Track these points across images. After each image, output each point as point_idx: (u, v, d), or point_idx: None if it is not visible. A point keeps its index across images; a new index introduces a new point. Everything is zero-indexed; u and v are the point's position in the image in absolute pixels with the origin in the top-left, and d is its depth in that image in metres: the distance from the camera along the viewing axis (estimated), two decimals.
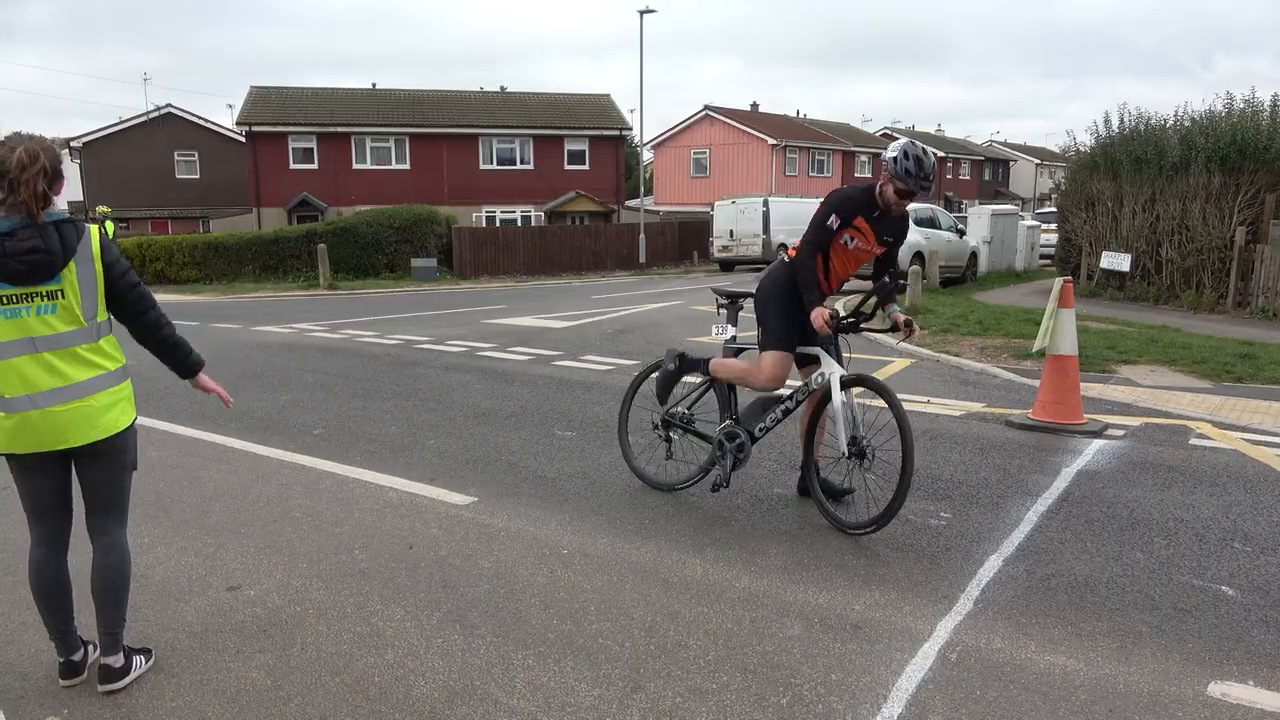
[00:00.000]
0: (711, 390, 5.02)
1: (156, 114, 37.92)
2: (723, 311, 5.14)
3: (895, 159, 4.24)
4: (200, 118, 39.03)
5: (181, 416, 7.03)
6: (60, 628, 2.98)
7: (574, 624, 3.44)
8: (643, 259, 29.95)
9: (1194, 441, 6.15)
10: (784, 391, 4.79)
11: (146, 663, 3.12)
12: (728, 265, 28.92)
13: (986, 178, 62.33)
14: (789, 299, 4.57)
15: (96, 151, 36.22)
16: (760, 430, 4.74)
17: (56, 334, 2.76)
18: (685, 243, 32.59)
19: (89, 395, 2.83)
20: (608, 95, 38.71)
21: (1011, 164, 66.07)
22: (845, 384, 4.51)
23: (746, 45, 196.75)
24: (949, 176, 58.05)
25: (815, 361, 4.67)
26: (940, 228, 19.13)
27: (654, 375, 5.14)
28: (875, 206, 4.42)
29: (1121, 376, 8.45)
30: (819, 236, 4.46)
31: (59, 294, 2.74)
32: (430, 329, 12.90)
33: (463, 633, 3.37)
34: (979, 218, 22.52)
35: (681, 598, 3.68)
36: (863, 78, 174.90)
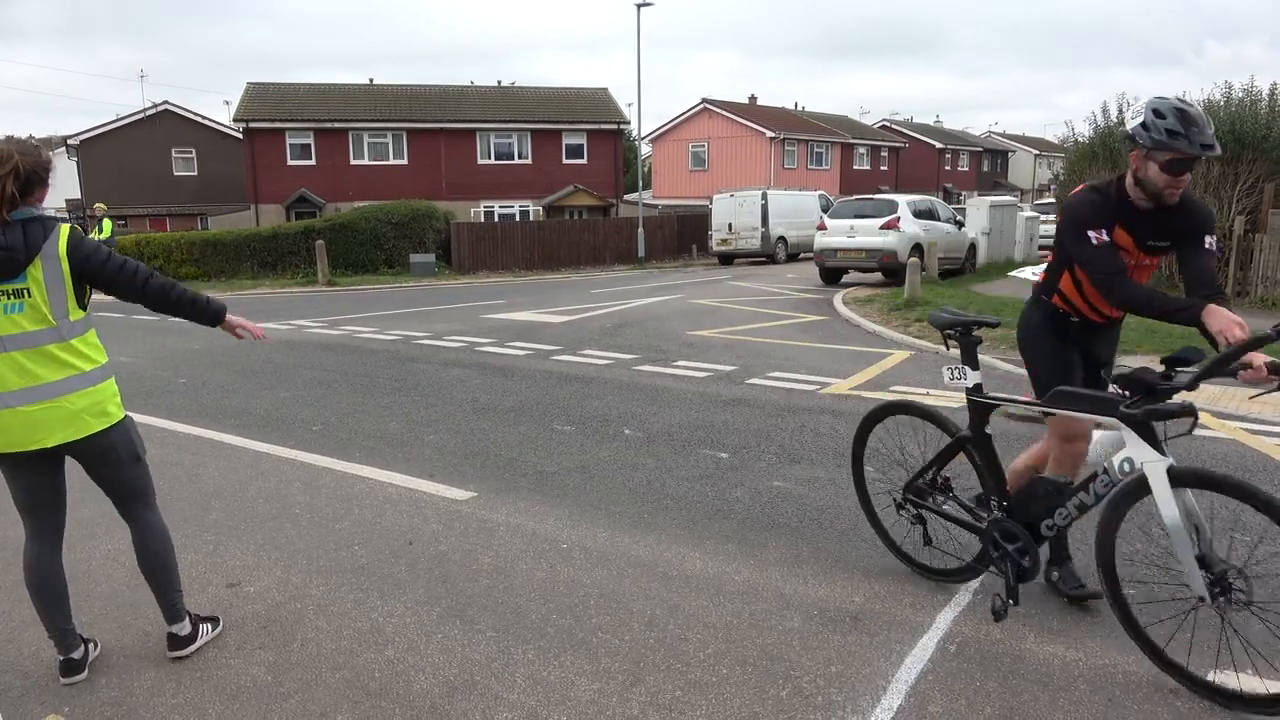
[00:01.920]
0: (964, 452, 3.67)
1: (154, 111, 37.83)
2: (954, 347, 3.61)
3: (1147, 124, 2.99)
4: (197, 114, 38.95)
5: (180, 414, 7.03)
6: (56, 624, 2.99)
7: (573, 618, 3.45)
8: (641, 253, 29.91)
9: (1193, 431, 6.14)
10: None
11: (214, 630, 3.30)
12: (727, 259, 28.91)
13: (985, 169, 62.26)
14: (1056, 338, 3.51)
15: (94, 149, 36.15)
16: (1047, 529, 3.28)
17: (24, 333, 2.74)
18: (684, 236, 32.56)
19: (61, 396, 2.80)
20: (605, 89, 38.65)
21: (1010, 155, 65.98)
22: (1178, 479, 2.99)
23: (742, 38, 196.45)
24: (947, 168, 58.00)
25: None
26: (939, 219, 19.10)
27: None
28: (1129, 209, 3.17)
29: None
30: (1105, 259, 3.09)
31: (25, 293, 2.72)
32: (429, 324, 12.90)
33: (462, 628, 3.37)
34: (978, 209, 22.46)
35: (681, 591, 3.68)
36: (859, 70, 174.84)
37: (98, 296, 2.98)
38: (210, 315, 3.17)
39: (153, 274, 3.01)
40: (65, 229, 2.82)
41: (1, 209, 2.68)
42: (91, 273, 2.85)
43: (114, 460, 2.99)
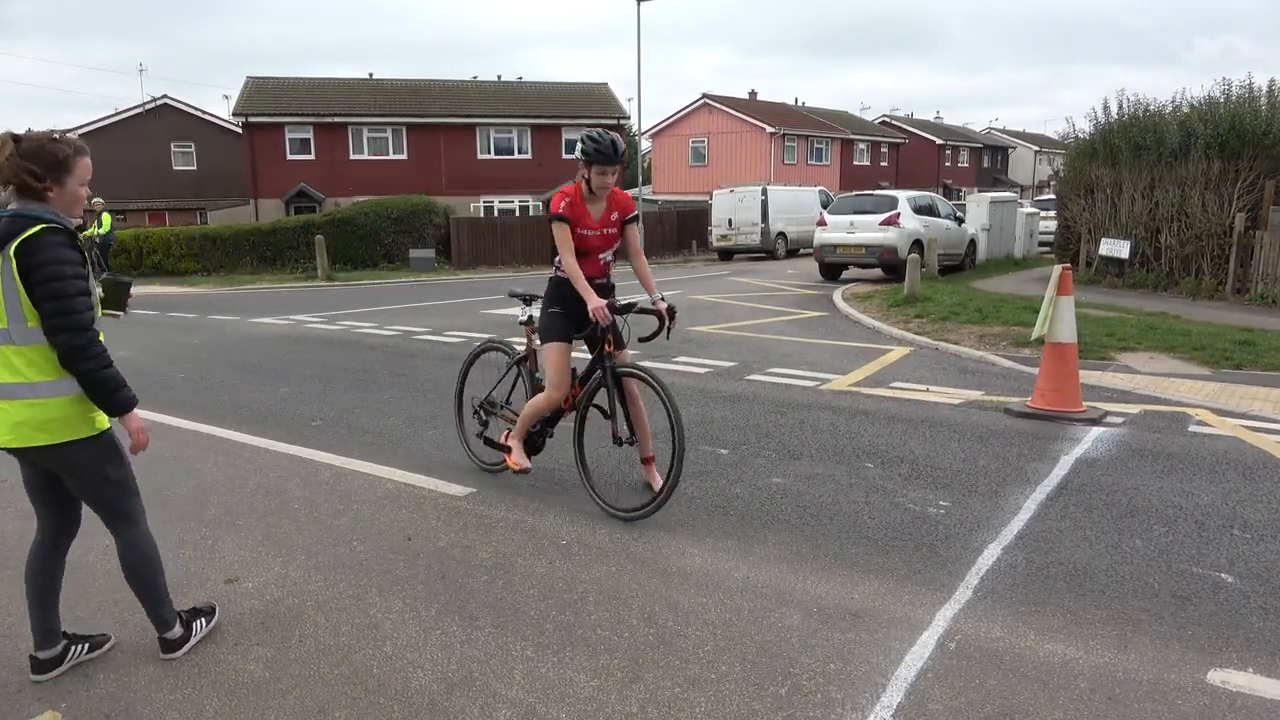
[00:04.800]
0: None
1: (153, 105, 37.73)
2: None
3: None
4: (196, 109, 38.85)
5: (179, 409, 7.01)
6: (36, 618, 3.01)
7: (572, 614, 3.44)
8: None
9: (1193, 428, 6.15)
10: None
11: (209, 623, 3.28)
12: (726, 254, 28.88)
13: (985, 165, 62.19)
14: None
15: (93, 143, 34.52)
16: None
17: None
18: (684, 232, 32.53)
19: (4, 399, 2.74)
20: (605, 84, 38.55)
21: (1010, 151, 65.91)
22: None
23: (738, 35, 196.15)
24: (948, 164, 57.93)
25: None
26: (939, 215, 19.08)
27: None
28: None
29: (1120, 364, 8.44)
30: None
31: None
32: (428, 320, 12.88)
33: (461, 624, 3.36)
34: (978, 205, 22.44)
35: (680, 587, 3.67)
36: (856, 66, 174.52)
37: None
38: (114, 405, 2.84)
39: (77, 331, 2.71)
40: (33, 231, 2.66)
41: None
42: (30, 286, 2.67)
43: (78, 477, 2.91)
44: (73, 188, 2.81)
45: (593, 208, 4.56)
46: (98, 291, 2.96)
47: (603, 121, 35.69)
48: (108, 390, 2.81)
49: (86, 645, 3.15)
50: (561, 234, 4.50)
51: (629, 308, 4.52)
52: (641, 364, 4.66)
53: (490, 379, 5.36)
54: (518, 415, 4.88)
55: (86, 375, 2.76)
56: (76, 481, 2.93)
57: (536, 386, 4.89)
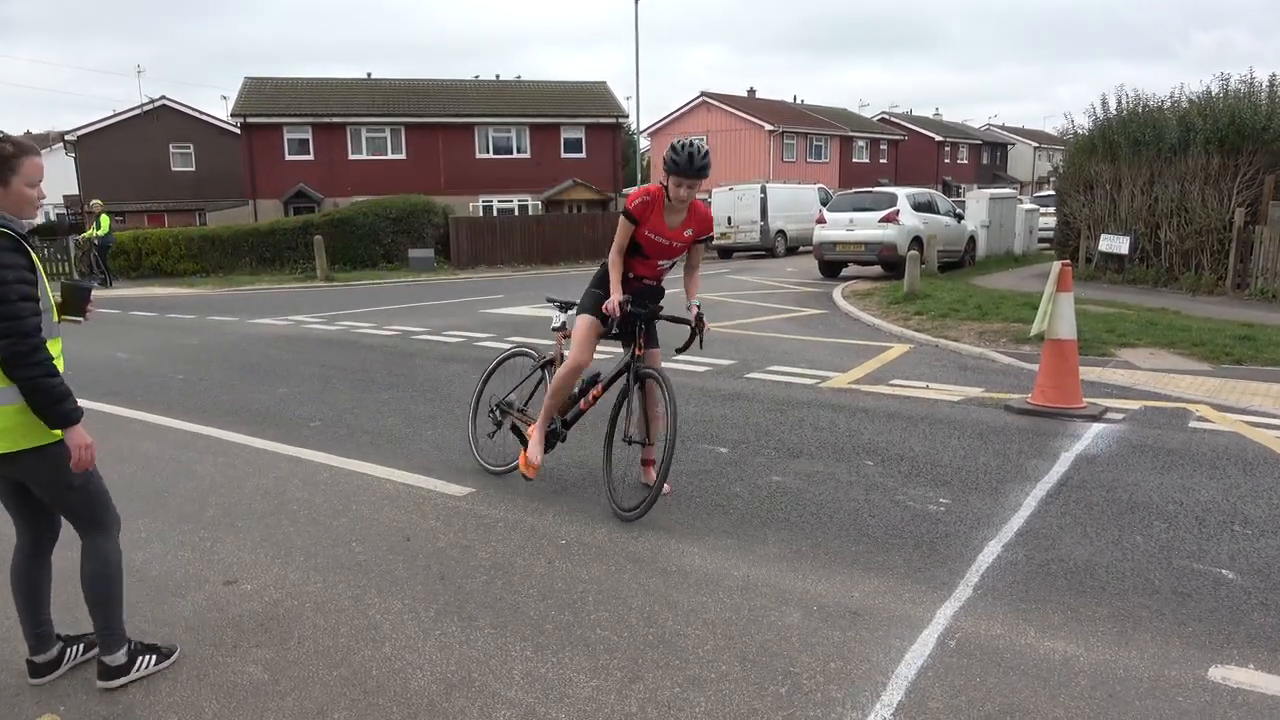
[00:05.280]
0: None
1: (151, 106, 37.71)
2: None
3: None
4: (195, 109, 38.82)
5: (177, 410, 7.01)
6: (26, 624, 3.00)
7: (572, 614, 3.43)
8: None
9: (1193, 424, 6.14)
10: None
11: (156, 663, 3.04)
12: (726, 252, 28.84)
13: (984, 161, 62.18)
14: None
15: (91, 144, 36.02)
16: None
17: None
18: None
19: None
20: (604, 83, 38.52)
21: (1009, 147, 65.89)
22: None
23: (736, 33, 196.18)
24: (947, 161, 57.90)
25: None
26: (938, 212, 19.06)
27: None
28: None
29: (1120, 360, 8.43)
30: None
31: None
32: (428, 320, 12.87)
33: (460, 624, 3.36)
34: (977, 202, 22.43)
35: (680, 587, 3.67)
36: (855, 63, 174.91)
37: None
38: (54, 416, 2.70)
39: (27, 341, 2.62)
40: None
41: None
42: None
43: (42, 485, 2.85)
44: (18, 188, 2.69)
45: (670, 216, 4.49)
46: (54, 297, 2.90)
47: (601, 120, 35.73)
48: (47, 400, 2.68)
49: (82, 646, 3.13)
50: (621, 230, 4.53)
51: (653, 312, 4.56)
52: (660, 370, 4.64)
53: (512, 384, 5.33)
54: (533, 421, 4.88)
55: (26, 382, 2.65)
56: (41, 490, 2.86)
57: None
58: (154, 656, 3.05)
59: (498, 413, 5.23)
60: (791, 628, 3.30)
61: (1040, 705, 2.77)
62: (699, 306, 4.54)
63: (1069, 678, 2.92)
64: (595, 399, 4.74)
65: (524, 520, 4.47)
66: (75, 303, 3.01)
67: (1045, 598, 3.52)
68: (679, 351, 4.64)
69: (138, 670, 2.99)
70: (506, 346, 10.32)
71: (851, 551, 4.01)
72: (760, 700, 2.82)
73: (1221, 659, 3.03)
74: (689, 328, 4.53)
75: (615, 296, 4.40)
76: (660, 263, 4.68)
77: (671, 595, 3.59)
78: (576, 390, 4.78)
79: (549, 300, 5.20)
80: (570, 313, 4.88)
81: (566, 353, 4.75)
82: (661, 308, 4.62)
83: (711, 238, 4.74)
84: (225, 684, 2.97)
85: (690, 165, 4.29)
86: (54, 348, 2.78)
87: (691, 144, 4.35)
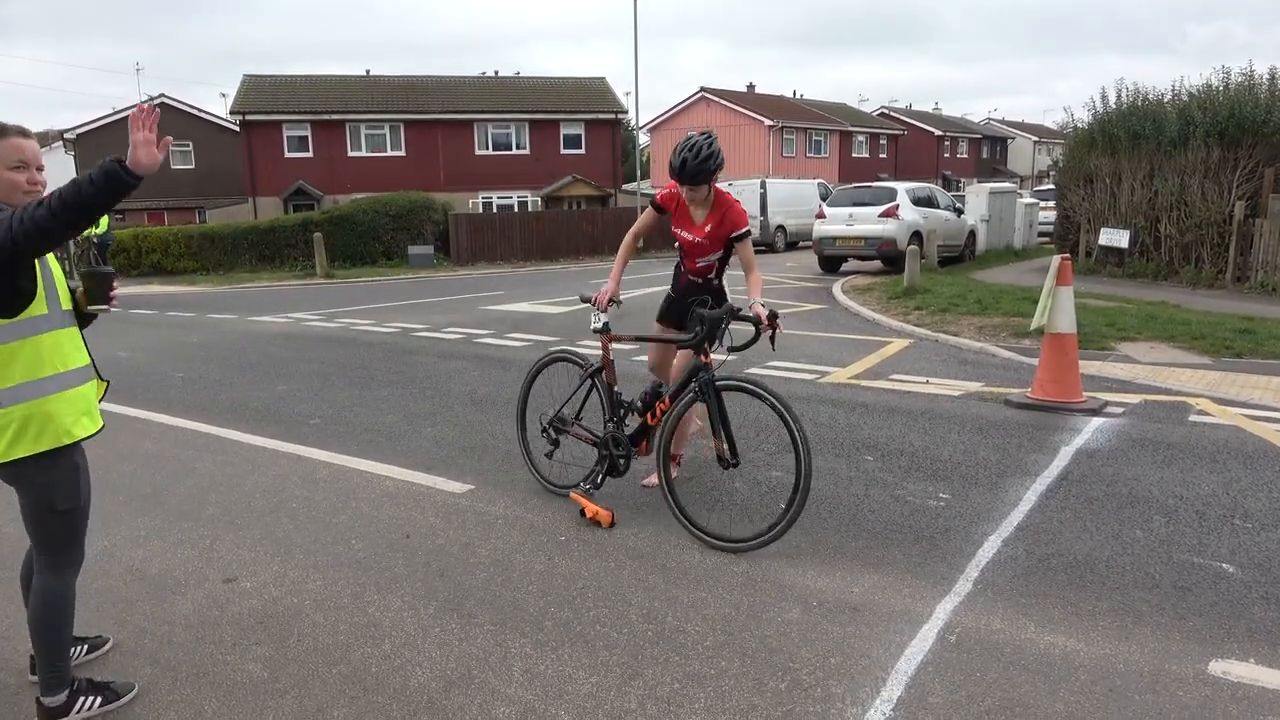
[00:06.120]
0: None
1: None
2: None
3: None
4: (194, 108, 38.78)
5: (178, 408, 7.00)
6: None
7: (571, 611, 3.43)
8: (640, 243, 29.81)
9: (1193, 418, 6.13)
10: None
11: (102, 704, 2.80)
12: None
13: (984, 155, 62.07)
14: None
15: (90, 143, 35.98)
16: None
17: None
18: None
19: None
20: (603, 78, 38.43)
21: (1009, 141, 65.78)
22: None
23: (735, 28, 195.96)
24: (947, 155, 57.82)
25: None
26: (938, 207, 19.04)
27: None
28: None
29: (1120, 354, 8.42)
30: None
31: None
32: (427, 316, 12.86)
33: (460, 621, 3.35)
34: (977, 196, 22.40)
35: (679, 583, 3.66)
36: (854, 58, 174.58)
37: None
38: (101, 183, 2.29)
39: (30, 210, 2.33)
40: None
41: None
42: None
43: (25, 497, 2.67)
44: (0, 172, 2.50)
45: (693, 211, 4.45)
46: (76, 286, 2.80)
47: (601, 116, 35.66)
48: (77, 185, 2.29)
49: (85, 646, 3.13)
50: (643, 216, 4.68)
51: (719, 313, 4.11)
52: (752, 377, 4.16)
53: (559, 394, 4.87)
54: (591, 432, 4.61)
55: (43, 221, 2.29)
56: (27, 503, 2.67)
57: (615, 401, 4.53)
58: (99, 698, 2.81)
59: (551, 431, 4.77)
60: (791, 623, 3.30)
61: (1040, 700, 2.76)
62: (762, 304, 4.10)
63: (1069, 672, 2.92)
64: (663, 413, 4.27)
65: (524, 517, 4.46)
66: (99, 290, 2.84)
67: (1045, 592, 3.51)
68: (734, 350, 4.09)
69: (78, 712, 2.76)
70: (514, 344, 10.39)
71: (851, 547, 4.01)
72: (760, 696, 2.82)
73: (1222, 653, 3.02)
74: (754, 327, 4.09)
75: (607, 287, 4.35)
76: (698, 260, 4.59)
77: (671, 591, 3.58)
78: (640, 403, 4.45)
79: (583, 299, 4.73)
80: (609, 312, 4.55)
81: (613, 357, 4.56)
82: (738, 310, 4.12)
83: (747, 233, 4.47)
84: (225, 682, 2.97)
85: (682, 171, 4.17)
86: (73, 339, 2.70)
87: (690, 145, 4.15)
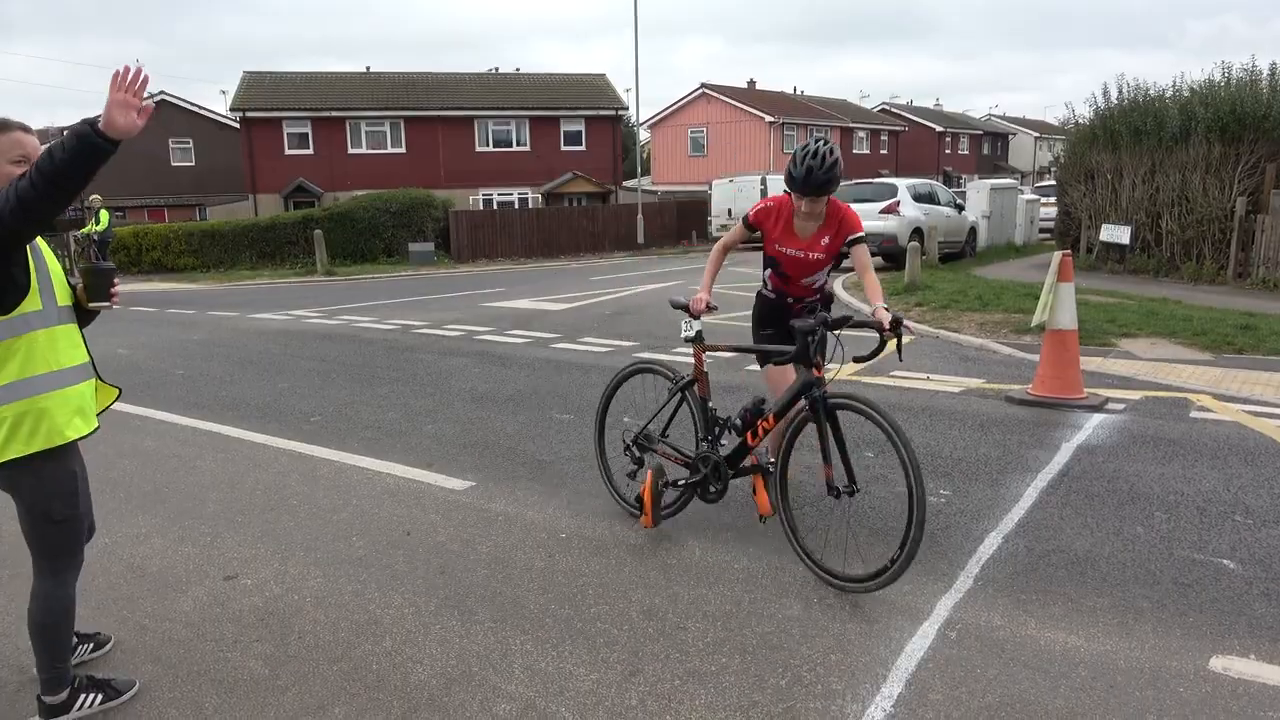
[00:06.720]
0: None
1: (150, 101, 37.55)
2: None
3: None
4: (194, 105, 38.79)
5: (178, 405, 7.00)
6: None
7: (572, 608, 3.43)
8: (641, 240, 29.82)
9: (1194, 414, 6.13)
10: None
11: (102, 701, 2.81)
12: None
13: (985, 152, 61.97)
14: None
15: None
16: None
17: None
18: (684, 222, 32.44)
19: None
20: (603, 75, 38.39)
21: (1010, 137, 65.67)
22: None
23: (735, 24, 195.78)
24: (947, 151, 57.75)
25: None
26: (939, 203, 19.02)
27: None
28: None
29: (1121, 350, 8.42)
30: None
31: None
32: (428, 313, 12.86)
33: (460, 618, 3.36)
34: (978, 192, 22.39)
35: (680, 580, 3.66)
36: (854, 54, 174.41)
37: None
38: (81, 141, 2.26)
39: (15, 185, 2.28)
40: None
41: None
42: None
43: (21, 502, 2.63)
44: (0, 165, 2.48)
45: (801, 225, 4.04)
46: (77, 283, 2.77)
47: (601, 113, 35.62)
48: (50, 161, 2.23)
49: (91, 645, 3.14)
50: (734, 230, 4.23)
51: (842, 321, 3.67)
52: (861, 396, 3.60)
53: (644, 406, 4.55)
54: (678, 450, 4.26)
55: (24, 193, 2.25)
56: (23, 509, 2.63)
57: (709, 418, 4.16)
58: (100, 695, 2.82)
59: (635, 449, 4.36)
60: (791, 620, 3.30)
61: (1041, 696, 2.76)
62: (886, 308, 3.65)
63: (1069, 669, 2.92)
64: (765, 431, 3.91)
65: (524, 514, 4.46)
66: (100, 286, 2.80)
67: (1046, 589, 3.51)
68: (859, 361, 3.62)
69: (79, 709, 2.77)
70: (515, 340, 10.39)
71: (851, 544, 4.00)
72: (760, 693, 2.82)
73: (1223, 649, 3.02)
74: (877, 334, 3.62)
75: (700, 294, 3.99)
76: (804, 280, 4.20)
77: (672, 588, 3.58)
78: (739, 420, 4.02)
79: (674, 304, 4.24)
80: (700, 321, 4.14)
81: (706, 369, 4.23)
82: (850, 317, 3.72)
83: (863, 236, 4.04)
84: (225, 679, 2.97)
85: (807, 181, 3.73)
86: (70, 336, 2.67)
87: (813, 153, 3.73)
